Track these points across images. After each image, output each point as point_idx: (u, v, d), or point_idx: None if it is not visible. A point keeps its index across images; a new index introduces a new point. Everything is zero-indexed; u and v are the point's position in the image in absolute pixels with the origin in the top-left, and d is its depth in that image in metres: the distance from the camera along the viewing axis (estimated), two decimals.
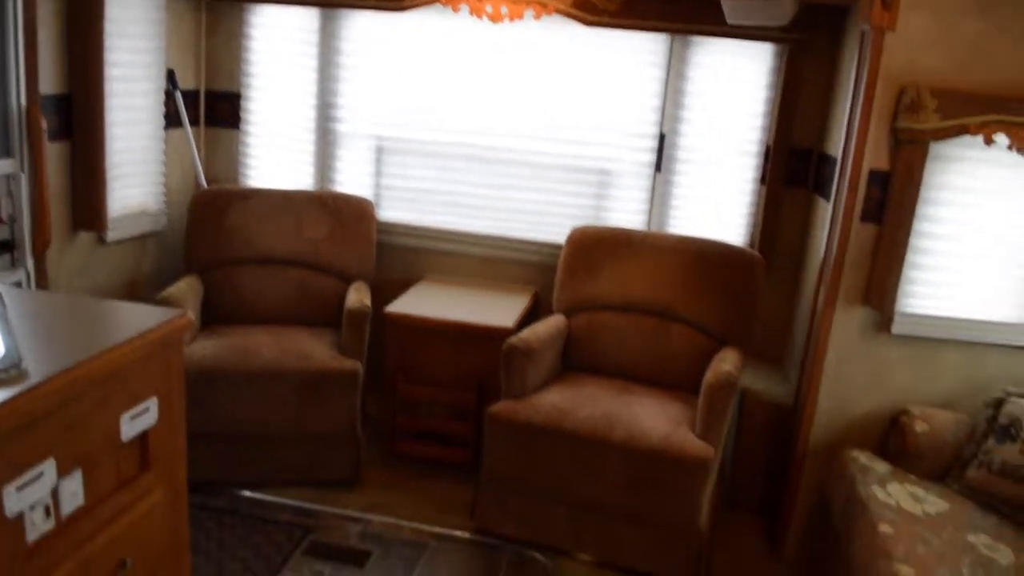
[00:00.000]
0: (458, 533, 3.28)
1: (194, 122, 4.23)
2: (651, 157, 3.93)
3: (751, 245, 3.89)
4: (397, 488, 3.57)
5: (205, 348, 3.39)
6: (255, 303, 3.84)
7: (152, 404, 1.79)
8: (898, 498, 2.76)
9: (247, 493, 3.42)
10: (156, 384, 1.80)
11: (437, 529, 3.29)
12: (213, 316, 3.81)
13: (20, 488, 1.44)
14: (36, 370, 1.48)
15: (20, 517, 1.46)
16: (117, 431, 1.69)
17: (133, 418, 1.73)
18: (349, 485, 3.54)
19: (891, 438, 3.11)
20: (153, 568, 1.88)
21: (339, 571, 2.97)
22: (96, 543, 1.65)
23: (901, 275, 3.02)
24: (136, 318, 1.80)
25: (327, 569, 2.97)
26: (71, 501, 1.60)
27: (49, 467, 1.50)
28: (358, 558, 3.05)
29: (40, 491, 1.49)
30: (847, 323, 3.11)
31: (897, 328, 3.09)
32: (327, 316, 3.89)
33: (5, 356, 1.50)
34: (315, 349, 3.47)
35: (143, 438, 1.80)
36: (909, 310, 3.09)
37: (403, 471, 3.72)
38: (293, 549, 3.06)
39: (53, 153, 3.32)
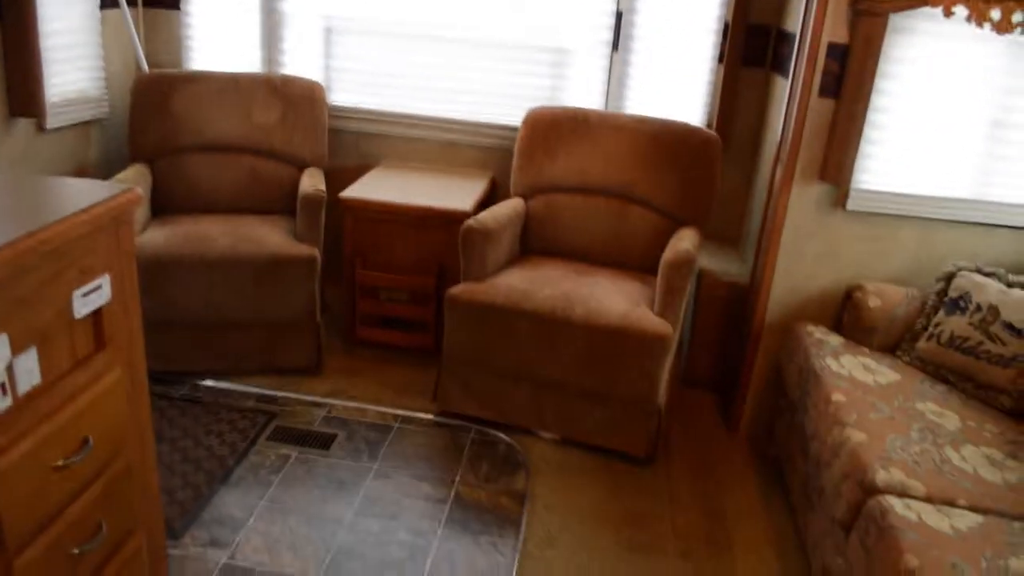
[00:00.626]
0: (421, 415, 3.32)
1: (132, 2, 4.03)
2: (608, 36, 3.84)
3: (709, 125, 3.86)
4: (359, 374, 3.59)
5: (156, 237, 3.31)
6: (206, 191, 3.75)
7: (104, 281, 1.75)
8: (851, 369, 2.83)
9: (209, 382, 3.41)
10: (107, 261, 1.76)
11: (400, 412, 3.32)
12: (163, 206, 3.72)
13: None
14: None
15: None
16: (70, 308, 1.65)
17: (85, 295, 1.69)
18: (311, 372, 3.55)
19: (845, 313, 3.17)
20: (116, 447, 1.87)
21: (305, 454, 2.99)
22: (56, 421, 1.64)
23: (858, 151, 3.02)
24: (84, 193, 1.74)
25: (293, 452, 2.99)
26: (27, 379, 1.57)
27: (2, 342, 1.47)
28: (323, 441, 3.08)
29: None
30: (803, 200, 3.13)
31: (852, 204, 3.11)
32: (281, 204, 3.81)
33: None
34: (270, 236, 3.42)
35: (97, 317, 1.77)
36: (865, 186, 3.10)
37: (364, 357, 3.73)
38: (258, 434, 3.08)
39: None
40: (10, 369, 1.52)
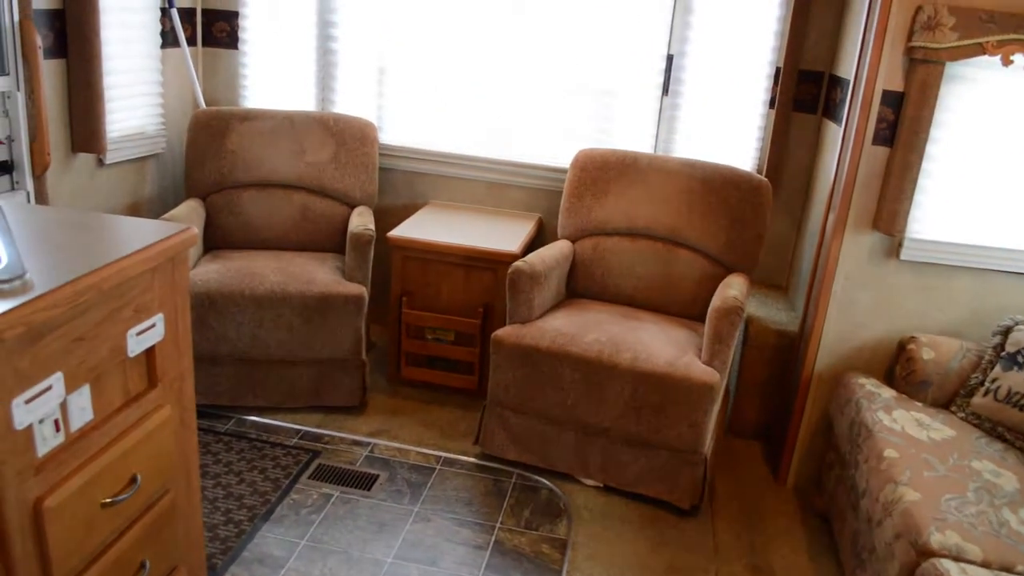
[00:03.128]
0: (463, 457, 3.30)
1: (191, 42, 4.13)
2: (658, 79, 3.85)
3: (759, 170, 3.84)
4: (402, 414, 3.58)
5: (208, 272, 3.36)
6: (258, 228, 3.81)
7: (158, 320, 1.77)
8: (903, 424, 2.76)
9: (254, 418, 3.43)
10: (161, 300, 1.78)
11: (443, 453, 3.31)
12: (215, 241, 3.78)
13: (28, 401, 1.42)
14: (41, 281, 1.45)
15: (29, 430, 1.45)
16: (124, 347, 1.67)
17: (139, 334, 1.71)
18: (355, 410, 3.56)
19: (897, 365, 3.10)
20: (163, 485, 1.88)
21: (347, 494, 2.99)
22: (106, 458, 1.65)
23: (912, 200, 2.97)
24: (141, 232, 1.77)
25: (335, 492, 2.99)
26: (80, 416, 1.59)
27: (57, 381, 1.49)
28: (365, 481, 3.07)
29: (48, 405, 1.47)
30: (856, 249, 3.08)
31: (906, 254, 3.06)
32: (331, 242, 3.86)
33: (8, 267, 1.47)
34: (319, 274, 3.45)
35: (150, 355, 1.79)
36: (919, 236, 3.05)
37: (408, 397, 3.73)
38: (301, 472, 3.08)
39: (49, 71, 3.25)
40: (64, 407, 1.53)
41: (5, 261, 1.51)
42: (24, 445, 1.44)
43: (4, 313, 1.31)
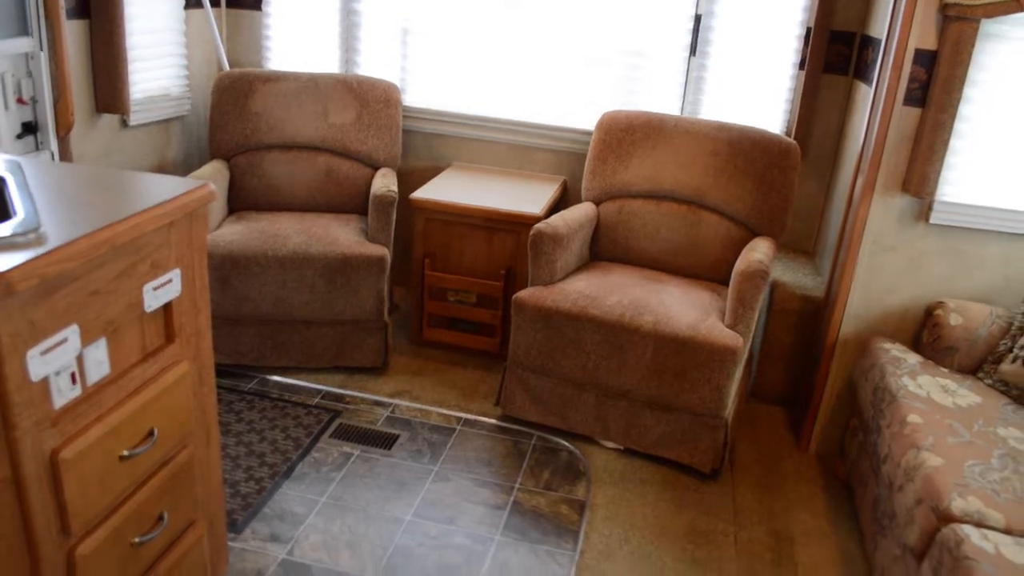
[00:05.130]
0: (484, 419, 3.30)
1: (214, 3, 4.12)
2: (686, 39, 3.78)
3: (787, 133, 3.78)
4: (424, 375, 3.60)
5: (232, 233, 3.37)
6: (281, 189, 3.81)
7: (175, 276, 1.77)
8: (928, 389, 2.72)
9: (277, 377, 3.45)
10: (179, 255, 1.78)
11: (463, 414, 3.32)
12: (239, 202, 3.80)
13: (44, 353, 1.43)
14: (57, 235, 1.45)
15: (45, 382, 1.47)
16: (140, 301, 1.68)
17: (156, 289, 1.72)
18: (377, 371, 3.57)
19: (924, 331, 3.05)
20: (180, 440, 1.90)
21: (367, 453, 3.01)
22: (123, 411, 1.67)
23: (943, 162, 2.90)
24: (159, 188, 1.77)
25: (356, 451, 3.01)
26: (97, 369, 1.60)
27: (73, 333, 1.50)
28: (386, 440, 3.09)
29: (64, 357, 1.49)
30: (884, 212, 3.02)
31: (936, 217, 3.00)
32: (354, 203, 3.86)
33: (24, 220, 1.48)
34: (342, 235, 3.45)
35: (167, 310, 1.80)
36: (949, 199, 2.98)
37: (430, 358, 3.74)
38: (322, 431, 3.10)
39: (72, 32, 3.26)
40: (80, 359, 1.55)
41: (21, 215, 1.51)
42: (40, 397, 1.46)
43: (18, 266, 1.32)
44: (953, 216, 2.99)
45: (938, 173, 2.92)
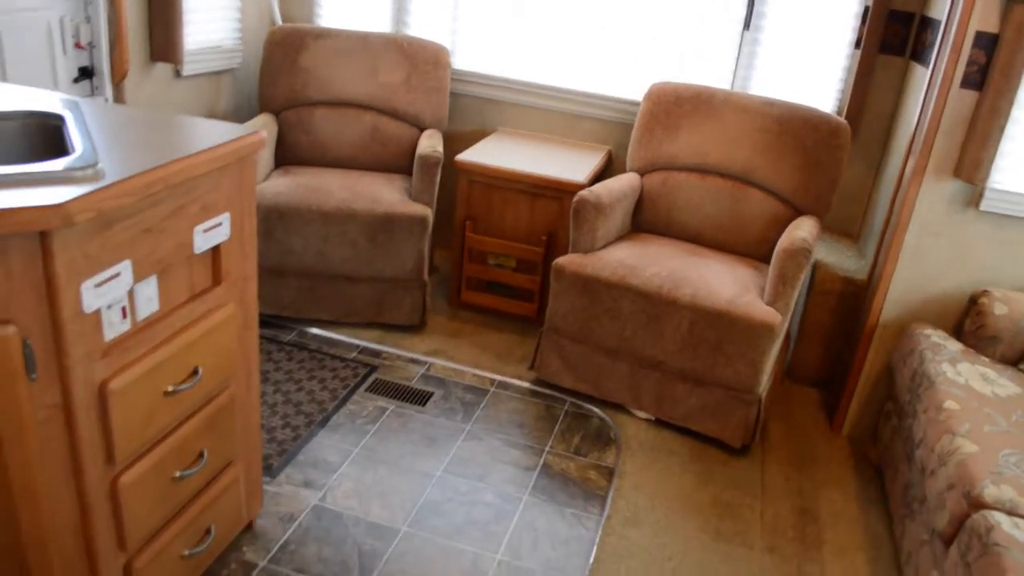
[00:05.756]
0: (518, 382, 3.33)
1: None
2: (740, 13, 3.73)
3: (839, 112, 3.72)
4: (460, 336, 3.63)
5: (278, 185, 3.42)
6: (328, 146, 3.84)
7: (224, 220, 1.81)
8: (968, 377, 2.70)
9: (316, 331, 3.51)
10: (228, 200, 1.82)
11: (497, 377, 3.35)
12: (286, 157, 3.84)
13: (98, 285, 1.47)
14: (113, 172, 1.49)
15: (98, 314, 1.51)
16: (190, 242, 1.72)
17: (206, 231, 1.75)
18: (414, 330, 3.61)
19: (967, 319, 3.01)
20: (223, 380, 1.94)
21: (401, 408, 3.05)
22: (170, 348, 1.71)
23: (997, 148, 2.85)
24: (211, 133, 1.80)
25: (390, 406, 3.06)
26: (146, 305, 1.64)
27: (125, 269, 1.54)
28: (420, 397, 3.13)
29: (117, 291, 1.53)
30: (933, 196, 2.98)
31: (986, 204, 2.95)
32: (398, 163, 3.88)
33: (82, 156, 1.52)
34: (385, 193, 3.48)
35: (215, 253, 1.83)
36: (1001, 186, 2.93)
37: (467, 321, 3.77)
38: (358, 384, 3.15)
39: None
40: (131, 295, 1.59)
41: (79, 151, 1.55)
42: (92, 328, 1.50)
43: (77, 198, 1.36)
44: (1004, 204, 2.94)
45: (991, 159, 2.87)
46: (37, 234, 1.35)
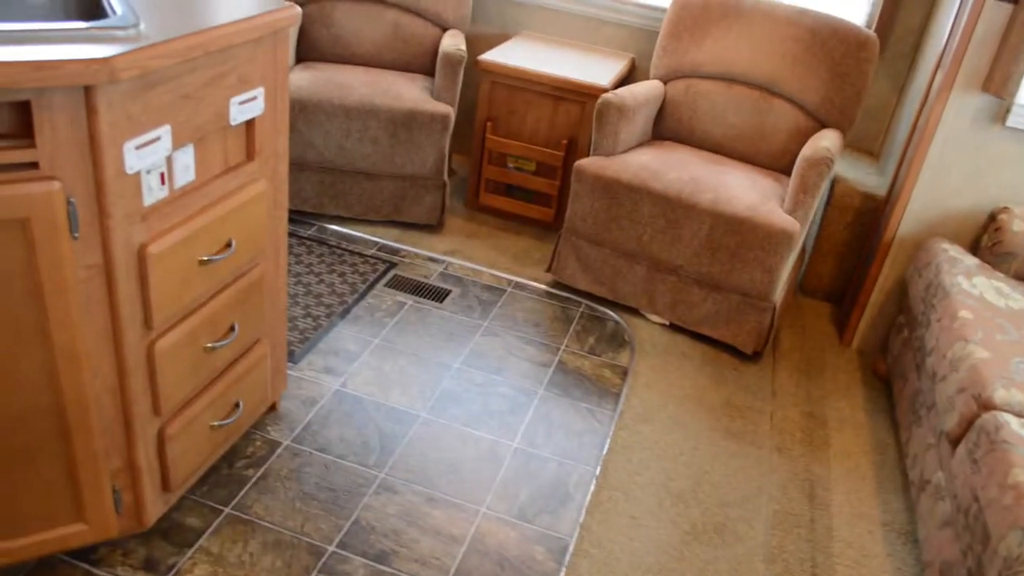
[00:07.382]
0: (534, 283, 3.37)
1: None
2: None
3: (869, 25, 3.67)
4: (478, 238, 3.65)
5: (300, 79, 3.40)
6: (349, 42, 3.80)
7: (259, 94, 1.81)
8: (982, 290, 2.72)
9: (335, 227, 3.53)
10: (263, 74, 1.82)
11: (515, 277, 3.38)
12: (308, 53, 3.80)
13: (139, 148, 1.49)
14: (153, 34, 1.49)
15: (138, 178, 1.53)
16: (226, 113, 1.73)
17: (241, 103, 1.76)
18: (432, 229, 3.64)
19: (985, 235, 3.02)
20: (254, 255, 1.97)
21: (419, 303, 3.09)
22: (205, 218, 1.73)
23: None
24: (247, 4, 1.79)
25: (409, 301, 3.10)
26: (184, 173, 1.66)
27: (165, 133, 1.55)
28: (438, 294, 3.17)
29: (156, 155, 1.55)
30: (960, 111, 2.96)
31: (1013, 120, 2.93)
32: (420, 63, 3.84)
33: (122, 16, 1.52)
34: (407, 91, 3.46)
35: (249, 128, 1.84)
36: None
37: (485, 223, 3.79)
38: (377, 279, 3.19)
39: None
40: (170, 161, 1.61)
41: (120, 12, 1.55)
42: (132, 191, 1.53)
43: (123, 53, 1.36)
44: None
45: (1022, 74, 2.84)
46: (82, 90, 1.36)
